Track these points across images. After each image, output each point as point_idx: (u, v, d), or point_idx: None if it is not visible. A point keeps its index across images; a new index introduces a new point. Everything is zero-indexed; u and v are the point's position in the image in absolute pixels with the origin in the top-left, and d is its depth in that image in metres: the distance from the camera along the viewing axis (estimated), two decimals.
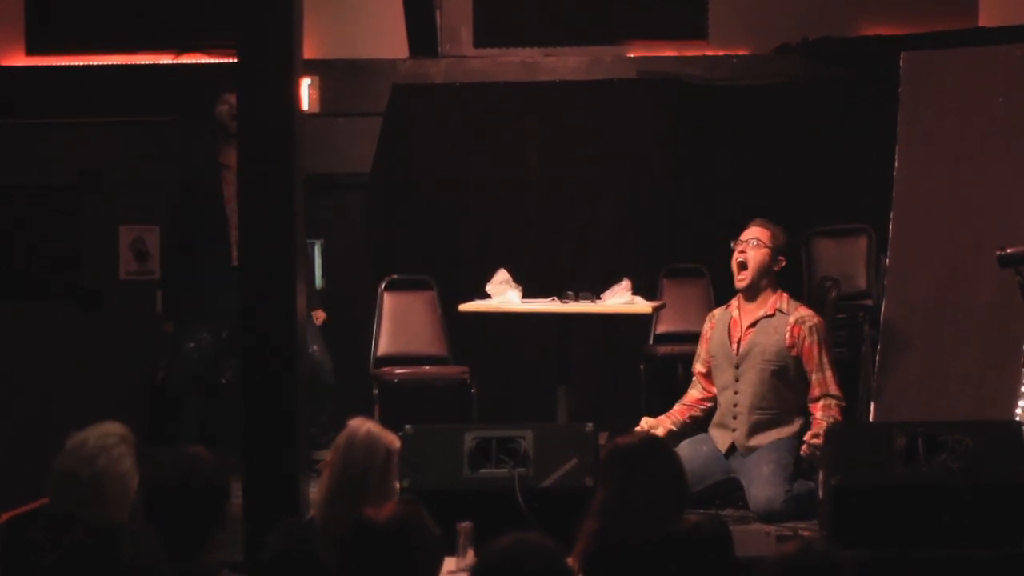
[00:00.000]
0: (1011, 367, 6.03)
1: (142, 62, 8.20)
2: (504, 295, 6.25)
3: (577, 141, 7.99)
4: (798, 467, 5.67)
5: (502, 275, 6.29)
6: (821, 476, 5.01)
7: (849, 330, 6.74)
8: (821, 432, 5.51)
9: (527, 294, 6.34)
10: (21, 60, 8.26)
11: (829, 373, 5.76)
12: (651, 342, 7.25)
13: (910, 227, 6.57)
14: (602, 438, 5.23)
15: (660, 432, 5.77)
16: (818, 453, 5.41)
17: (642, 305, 6.27)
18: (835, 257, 6.99)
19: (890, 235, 6.58)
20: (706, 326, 6.06)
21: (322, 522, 3.75)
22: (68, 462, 3.71)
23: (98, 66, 8.18)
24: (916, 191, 6.59)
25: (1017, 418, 5.75)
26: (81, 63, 8.20)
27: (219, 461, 3.54)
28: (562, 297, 6.28)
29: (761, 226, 5.91)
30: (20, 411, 7.20)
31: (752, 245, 5.87)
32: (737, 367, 5.85)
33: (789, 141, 7.70)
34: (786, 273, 6.03)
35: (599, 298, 6.24)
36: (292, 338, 5.06)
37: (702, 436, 5.90)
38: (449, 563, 4.00)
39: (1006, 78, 6.51)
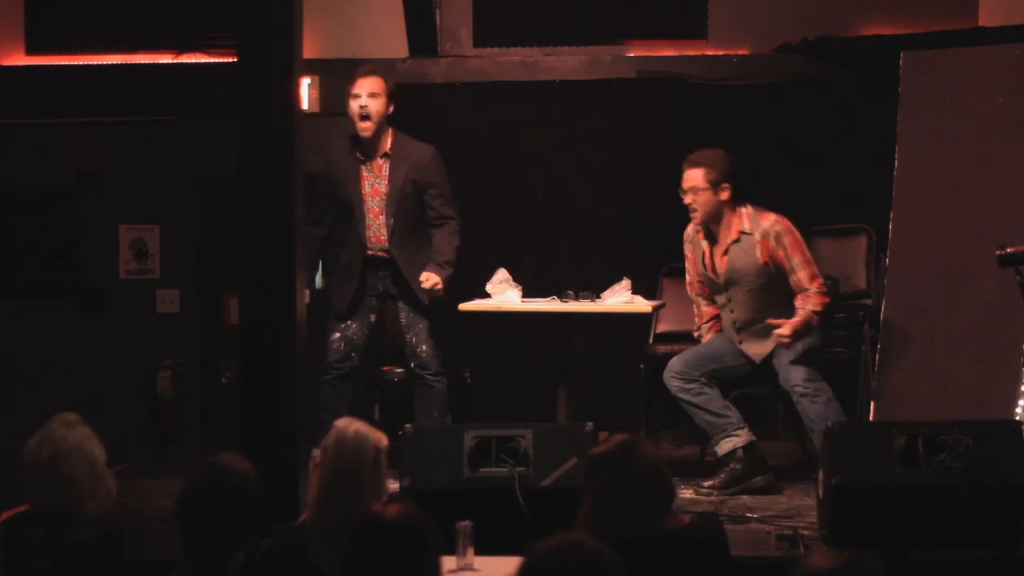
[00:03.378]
0: (1011, 367, 6.03)
1: (142, 62, 8.20)
2: (504, 295, 6.25)
3: (577, 141, 7.99)
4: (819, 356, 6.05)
5: (502, 274, 6.29)
6: (821, 476, 5.01)
7: (849, 330, 6.74)
8: (791, 325, 5.88)
9: (527, 294, 6.34)
10: (21, 60, 8.26)
11: (803, 273, 6.00)
12: (651, 342, 7.25)
13: (910, 227, 6.57)
14: (602, 438, 5.24)
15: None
16: (785, 342, 5.90)
17: (642, 305, 6.27)
18: (835, 257, 6.98)
19: (890, 235, 6.58)
20: (686, 249, 6.33)
21: (314, 523, 3.75)
22: (27, 470, 3.87)
23: (98, 66, 8.18)
24: (916, 191, 6.59)
25: (1017, 418, 5.75)
26: (81, 63, 8.20)
27: (256, 473, 3.57)
28: (562, 297, 6.28)
29: (694, 167, 6.07)
30: (20, 411, 7.19)
31: (692, 194, 6.07)
32: (726, 289, 6.15)
33: (789, 141, 7.70)
34: None
35: (599, 298, 6.24)
36: (292, 337, 5.06)
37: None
38: (449, 562, 4.00)
39: (1006, 78, 6.51)
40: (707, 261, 6.18)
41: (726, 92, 7.92)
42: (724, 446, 6.04)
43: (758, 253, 6.04)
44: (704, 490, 5.97)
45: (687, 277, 6.40)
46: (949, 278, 6.46)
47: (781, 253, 6.01)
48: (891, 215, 6.59)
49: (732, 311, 6.16)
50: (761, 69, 7.97)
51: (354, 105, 6.33)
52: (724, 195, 6.05)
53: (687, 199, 6.09)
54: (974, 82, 6.59)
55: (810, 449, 6.14)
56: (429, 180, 6.39)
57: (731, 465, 6.01)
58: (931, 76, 6.68)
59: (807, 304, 5.95)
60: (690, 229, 6.27)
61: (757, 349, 6.12)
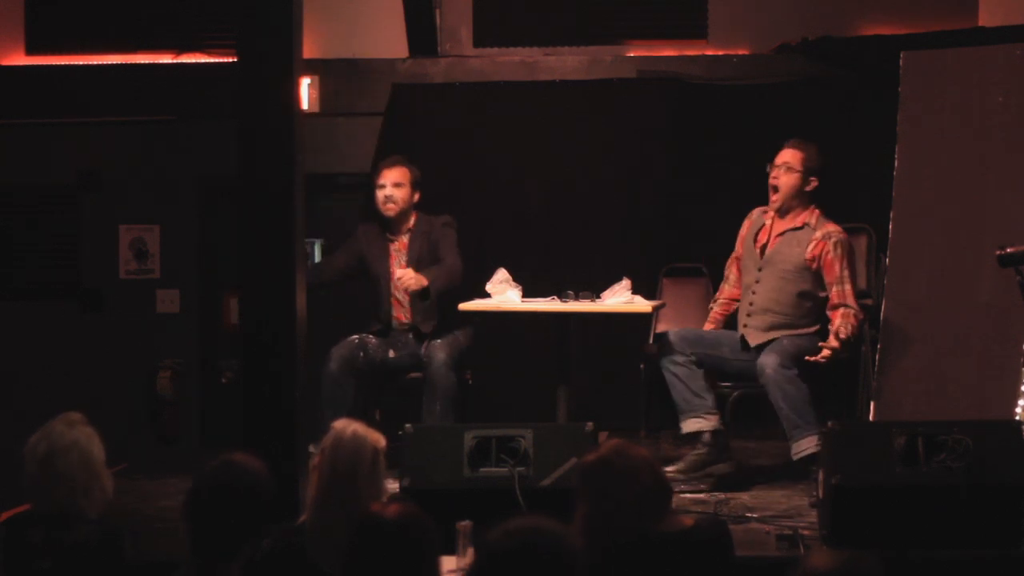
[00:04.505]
0: (1011, 367, 6.03)
1: (142, 62, 8.20)
2: (504, 294, 6.24)
3: (577, 141, 7.99)
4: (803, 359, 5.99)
5: (502, 274, 6.28)
6: (821, 476, 5.01)
7: None
8: (836, 339, 5.95)
9: (527, 294, 6.33)
10: (21, 60, 8.26)
11: (848, 286, 6.10)
12: (651, 342, 7.24)
13: (910, 227, 6.57)
14: (602, 438, 5.23)
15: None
16: (827, 357, 5.89)
17: (642, 305, 6.26)
18: None
19: (890, 235, 6.58)
20: (744, 223, 6.42)
21: (313, 524, 3.75)
22: (26, 467, 3.88)
23: (98, 66, 8.18)
24: (916, 191, 6.59)
25: (1017, 418, 5.75)
26: (81, 63, 8.20)
27: (267, 472, 3.57)
28: (562, 297, 6.28)
29: (794, 148, 6.22)
30: (19, 411, 7.19)
31: (784, 171, 6.18)
32: (760, 270, 6.21)
33: (789, 141, 7.68)
34: None
35: (599, 298, 6.24)
36: (292, 338, 5.06)
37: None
38: (449, 562, 4.00)
39: (1006, 78, 6.51)
40: (760, 235, 6.27)
41: (726, 92, 7.91)
42: (691, 425, 6.08)
43: (809, 249, 6.13)
44: (670, 474, 5.98)
45: (734, 252, 6.47)
46: (949, 278, 6.46)
47: (834, 260, 6.10)
48: (891, 215, 6.59)
49: (754, 292, 6.21)
50: (761, 69, 7.97)
51: (380, 195, 6.69)
52: (809, 187, 6.18)
53: (774, 175, 6.18)
54: (974, 82, 6.59)
55: None
56: (437, 237, 6.68)
57: (697, 449, 6.05)
58: (931, 76, 6.68)
59: (845, 323, 6.02)
60: (757, 212, 6.37)
61: (756, 336, 6.16)
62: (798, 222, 6.20)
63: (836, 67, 7.84)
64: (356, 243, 6.81)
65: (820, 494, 5.04)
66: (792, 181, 6.16)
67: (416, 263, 6.59)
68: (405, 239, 6.70)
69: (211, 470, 3.56)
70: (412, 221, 6.71)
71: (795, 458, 5.91)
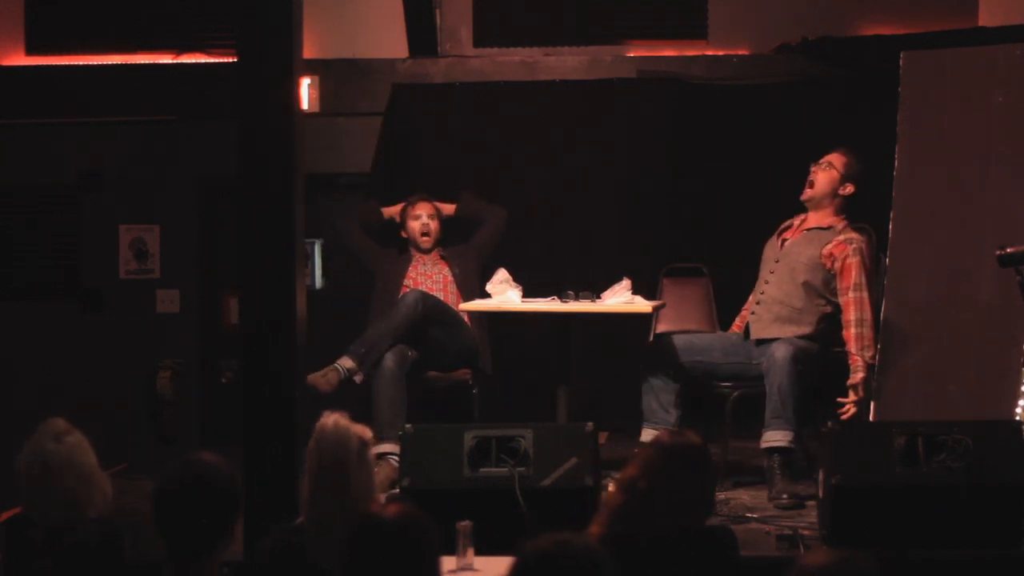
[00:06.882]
0: (1011, 367, 6.02)
1: (142, 62, 8.21)
2: (504, 295, 6.24)
3: (577, 141, 7.99)
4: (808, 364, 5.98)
5: (502, 274, 6.28)
6: (821, 476, 5.02)
7: None
8: (859, 379, 5.95)
9: (527, 293, 6.33)
10: (21, 60, 8.26)
11: (866, 295, 6.07)
12: (651, 342, 7.24)
13: (910, 227, 6.56)
14: (602, 438, 5.24)
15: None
16: (853, 413, 5.90)
17: (642, 305, 6.26)
18: None
19: (890, 235, 6.58)
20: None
21: (310, 522, 3.75)
22: (24, 481, 3.85)
23: (98, 66, 8.19)
24: (916, 191, 6.58)
25: (1017, 418, 5.75)
26: (81, 63, 8.21)
27: (231, 468, 3.57)
28: (562, 297, 6.27)
29: (840, 152, 6.32)
30: (20, 411, 7.20)
31: (824, 168, 6.28)
32: (777, 262, 6.30)
33: (789, 141, 7.69)
34: None
35: (599, 298, 6.24)
36: (292, 338, 5.06)
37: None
38: (449, 562, 4.00)
39: (1006, 78, 6.50)
40: (787, 232, 6.36)
41: (726, 92, 7.91)
42: (647, 435, 6.11)
43: (826, 248, 6.15)
44: None
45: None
46: (949, 278, 6.46)
47: (851, 265, 6.09)
48: (891, 215, 6.58)
49: (767, 282, 6.27)
50: (761, 69, 7.97)
51: (416, 224, 6.94)
52: (843, 191, 6.26)
53: (814, 170, 6.28)
54: (974, 82, 6.58)
55: (810, 449, 6.15)
56: (467, 244, 7.03)
57: None
58: (931, 76, 6.68)
59: (862, 349, 6.00)
60: (783, 225, 6.47)
61: (760, 329, 6.19)
62: (825, 223, 6.26)
63: (836, 67, 7.84)
64: (385, 249, 7.00)
65: (820, 494, 5.04)
66: (829, 179, 6.25)
67: (463, 279, 6.84)
68: (435, 254, 6.93)
69: (172, 470, 3.55)
70: (437, 252, 6.94)
71: (763, 445, 5.91)
